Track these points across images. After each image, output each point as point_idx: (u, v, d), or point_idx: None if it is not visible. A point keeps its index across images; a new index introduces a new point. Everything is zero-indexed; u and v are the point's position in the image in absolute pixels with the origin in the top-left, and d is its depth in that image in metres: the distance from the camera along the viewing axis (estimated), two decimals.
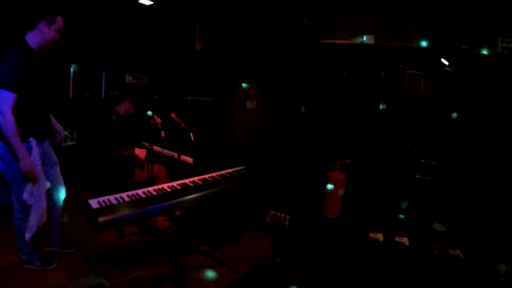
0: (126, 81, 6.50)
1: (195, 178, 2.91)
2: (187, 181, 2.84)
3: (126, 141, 4.05)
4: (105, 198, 2.33)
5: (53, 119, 2.94)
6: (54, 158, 2.93)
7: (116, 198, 2.34)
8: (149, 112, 3.51)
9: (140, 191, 2.49)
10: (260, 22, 4.48)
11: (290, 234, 4.03)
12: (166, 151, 4.28)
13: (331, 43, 3.91)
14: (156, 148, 4.48)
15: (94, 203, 2.26)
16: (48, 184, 2.71)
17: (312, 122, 4.00)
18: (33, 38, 2.51)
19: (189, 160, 3.89)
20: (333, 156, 3.89)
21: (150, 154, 3.55)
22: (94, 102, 5.97)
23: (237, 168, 3.39)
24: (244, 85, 3.83)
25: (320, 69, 3.96)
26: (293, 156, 3.91)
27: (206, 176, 3.00)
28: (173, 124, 3.40)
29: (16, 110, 2.36)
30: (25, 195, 2.50)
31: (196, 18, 5.64)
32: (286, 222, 4.13)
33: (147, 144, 4.16)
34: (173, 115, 3.39)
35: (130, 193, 2.44)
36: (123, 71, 6.37)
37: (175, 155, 3.76)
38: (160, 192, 2.53)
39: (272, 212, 4.19)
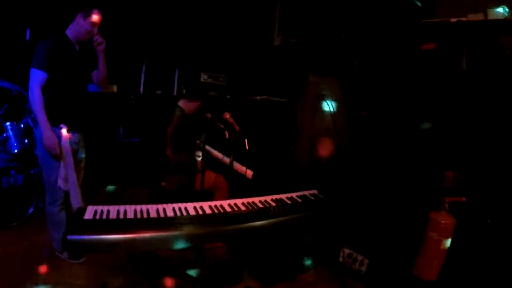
0: (201, 80, 6.16)
1: (258, 199, 2.33)
2: (250, 200, 2.31)
3: (186, 144, 3.50)
4: (114, 208, 1.74)
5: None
6: (82, 154, 2.90)
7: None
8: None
9: (190, 206, 1.96)
10: (351, 6, 3.54)
11: (366, 285, 2.99)
12: (226, 159, 3.61)
13: (448, 21, 2.73)
14: (215, 153, 3.88)
15: (90, 212, 1.68)
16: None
17: (416, 134, 2.85)
18: (71, 29, 2.70)
19: (248, 172, 3.13)
20: (439, 190, 2.70)
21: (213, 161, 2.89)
22: (164, 100, 5.73)
23: (307, 192, 2.55)
24: (317, 77, 2.87)
25: (430, 61, 2.80)
26: (383, 182, 2.85)
27: (269, 197, 2.39)
28: (227, 126, 2.71)
29: (49, 94, 2.55)
30: (59, 181, 2.58)
31: (276, 12, 4.97)
32: (363, 268, 3.10)
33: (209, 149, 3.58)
34: (227, 115, 2.72)
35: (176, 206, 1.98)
36: (198, 70, 6.04)
37: (234, 165, 3.06)
38: (215, 211, 1.99)
39: (347, 251, 3.20)
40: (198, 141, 3.04)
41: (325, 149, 2.69)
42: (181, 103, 3.53)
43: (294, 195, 2.46)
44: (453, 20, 2.69)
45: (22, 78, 3.56)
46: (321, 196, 2.47)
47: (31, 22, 4.37)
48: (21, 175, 3.32)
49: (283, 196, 2.40)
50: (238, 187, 3.09)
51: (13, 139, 3.47)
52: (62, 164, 2.58)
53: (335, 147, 2.75)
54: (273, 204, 2.26)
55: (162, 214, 1.90)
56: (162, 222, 1.80)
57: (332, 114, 2.76)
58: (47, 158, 2.60)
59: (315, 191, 2.54)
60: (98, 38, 2.68)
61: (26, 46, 4.23)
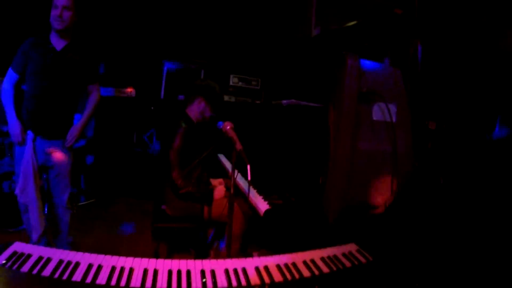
0: (231, 83, 5.43)
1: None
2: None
3: (197, 166, 2.73)
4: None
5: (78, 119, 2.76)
6: (58, 161, 2.64)
7: None
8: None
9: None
10: None
11: None
12: (240, 182, 2.72)
13: None
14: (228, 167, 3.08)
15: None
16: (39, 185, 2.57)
17: None
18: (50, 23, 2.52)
19: (260, 206, 2.19)
20: None
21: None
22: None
23: (345, 249, 1.58)
24: (362, 62, 1.74)
25: None
26: (475, 235, 1.73)
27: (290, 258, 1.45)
28: (227, 141, 1.86)
29: (24, 97, 2.54)
30: (17, 191, 2.51)
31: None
32: None
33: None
34: (227, 127, 1.85)
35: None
36: (227, 71, 5.31)
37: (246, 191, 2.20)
38: None
39: None
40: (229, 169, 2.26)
41: (374, 190, 1.65)
42: (190, 109, 2.76)
43: (326, 253, 1.52)
44: None
45: None
46: (370, 258, 1.51)
47: None
48: None
49: (315, 257, 1.47)
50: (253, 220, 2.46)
51: None
52: (21, 173, 2.47)
53: (393, 183, 1.69)
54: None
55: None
56: None
57: (389, 126, 1.73)
58: (17, 167, 2.55)
59: (354, 247, 1.57)
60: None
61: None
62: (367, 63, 1.73)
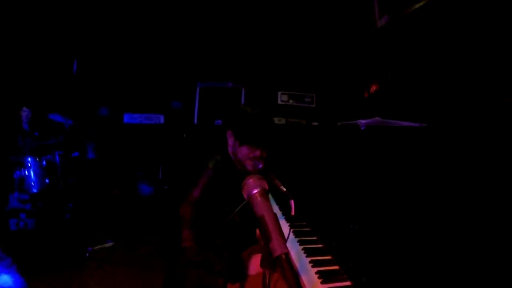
0: (279, 102, 4.52)
1: None
2: None
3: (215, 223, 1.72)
4: None
5: None
6: None
7: None
8: None
9: None
10: None
11: None
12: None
13: None
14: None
15: None
16: None
17: None
18: None
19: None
20: None
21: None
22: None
23: None
24: None
25: None
26: None
27: None
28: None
29: None
30: None
31: None
32: None
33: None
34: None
35: None
36: (273, 88, 4.39)
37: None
38: None
39: None
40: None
41: None
42: (233, 147, 1.72)
43: None
44: None
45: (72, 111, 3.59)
46: None
47: (78, 53, 4.07)
48: (32, 218, 3.00)
49: None
50: None
51: (32, 177, 3.20)
52: None
53: None
54: None
55: None
56: None
57: None
58: None
59: None
60: None
61: (72, 78, 3.94)
62: None
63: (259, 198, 0.87)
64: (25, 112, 3.52)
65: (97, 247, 3.09)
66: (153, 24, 4.00)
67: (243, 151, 1.56)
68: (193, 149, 3.99)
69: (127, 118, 3.92)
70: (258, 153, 1.53)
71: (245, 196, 0.92)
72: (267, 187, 0.95)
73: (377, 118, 1.45)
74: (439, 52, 1.90)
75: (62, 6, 3.85)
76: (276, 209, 1.95)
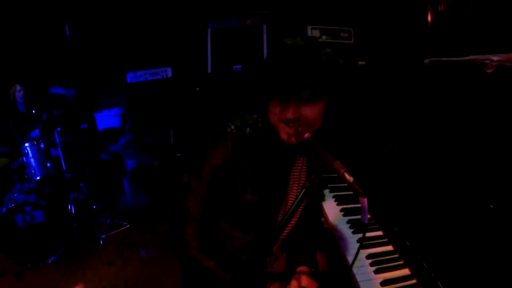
0: (309, 36, 3.85)
1: None
2: None
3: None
4: None
5: None
6: None
7: None
8: None
9: None
10: None
11: None
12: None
13: None
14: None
15: None
16: None
17: None
18: None
19: None
20: None
21: None
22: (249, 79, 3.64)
23: None
24: None
25: None
26: None
27: None
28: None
29: None
30: None
31: None
32: None
33: None
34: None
35: None
36: (302, 23, 3.96)
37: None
38: None
39: None
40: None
41: None
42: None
43: None
44: None
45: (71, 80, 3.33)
46: None
47: (68, 16, 3.68)
48: (39, 210, 2.84)
49: None
50: None
51: (32, 164, 2.99)
52: None
53: None
54: None
55: None
56: None
57: None
58: None
59: None
60: None
61: (67, 43, 3.60)
62: None
63: None
64: (20, 91, 3.08)
65: (113, 232, 2.95)
66: None
67: (272, 109, 0.93)
68: (209, 105, 3.41)
69: (130, 78, 3.44)
70: (291, 112, 0.87)
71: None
72: None
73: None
74: None
75: None
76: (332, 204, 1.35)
